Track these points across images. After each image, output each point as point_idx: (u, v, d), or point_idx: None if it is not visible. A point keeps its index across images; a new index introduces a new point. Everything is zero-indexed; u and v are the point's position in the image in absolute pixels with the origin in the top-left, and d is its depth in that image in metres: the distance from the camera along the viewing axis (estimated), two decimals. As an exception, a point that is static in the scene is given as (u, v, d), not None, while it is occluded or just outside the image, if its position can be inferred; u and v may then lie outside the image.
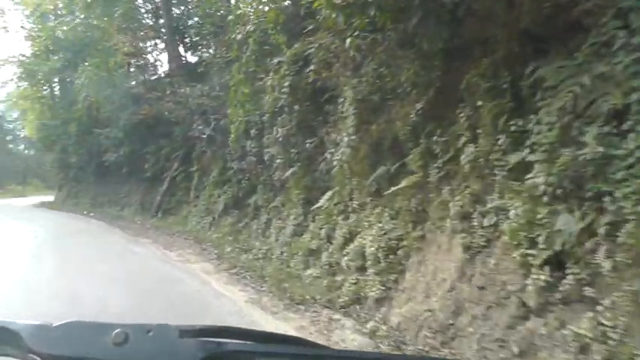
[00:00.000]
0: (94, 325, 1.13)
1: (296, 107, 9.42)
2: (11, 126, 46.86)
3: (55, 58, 25.30)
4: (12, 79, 30.42)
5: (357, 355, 1.43)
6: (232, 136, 11.64)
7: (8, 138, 47.85)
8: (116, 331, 1.05)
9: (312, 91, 9.00)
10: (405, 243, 6.23)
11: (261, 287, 7.75)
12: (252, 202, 12.01)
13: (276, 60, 9.63)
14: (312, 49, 8.14)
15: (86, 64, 20.47)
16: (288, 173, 9.93)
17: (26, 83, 30.19)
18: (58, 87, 28.38)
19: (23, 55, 28.79)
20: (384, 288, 6.22)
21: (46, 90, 29.60)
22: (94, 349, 1.05)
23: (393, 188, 6.61)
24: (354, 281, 6.88)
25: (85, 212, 21.91)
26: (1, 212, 22.83)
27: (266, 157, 10.95)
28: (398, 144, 7.03)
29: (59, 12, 26.81)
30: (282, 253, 9.38)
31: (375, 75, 7.16)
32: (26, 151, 48.45)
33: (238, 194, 12.93)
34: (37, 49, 27.17)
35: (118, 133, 19.43)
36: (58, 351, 1.05)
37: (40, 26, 25.18)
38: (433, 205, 6.01)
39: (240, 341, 1.20)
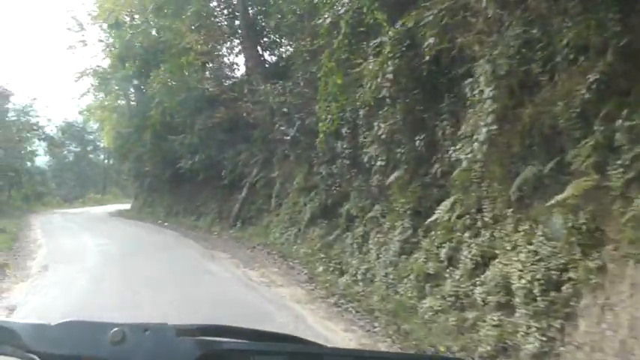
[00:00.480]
0: (92, 325, 1.16)
1: (402, 97, 7.80)
2: (92, 137, 47.44)
3: (129, 65, 24.86)
4: (89, 91, 30.61)
5: (353, 353, 1.37)
6: (320, 136, 10.19)
7: (89, 148, 48.51)
8: (114, 330, 1.06)
9: (425, 75, 7.34)
10: (572, 275, 4.51)
11: (373, 326, 6.12)
12: (343, 212, 10.51)
13: (376, 41, 8.03)
14: (430, 17, 6.44)
15: (159, 69, 19.62)
16: (391, 178, 8.31)
17: (102, 94, 30.33)
18: (133, 95, 28.06)
19: (99, 66, 29.11)
20: (544, 339, 4.52)
21: (121, 99, 29.47)
22: (92, 347, 1.08)
23: (557, 197, 4.84)
24: (495, 323, 5.16)
25: (159, 221, 21.18)
26: (76, 222, 22.41)
27: (361, 160, 9.40)
28: (555, 134, 5.27)
29: (134, 22, 26.47)
30: (386, 275, 7.78)
31: (521, 41, 5.43)
32: (105, 161, 48.81)
33: (327, 202, 11.49)
34: (112, 59, 27.10)
35: (192, 139, 18.43)
36: (56, 350, 1.07)
37: (115, 37, 24.79)
38: (616, 221, 4.23)
39: (237, 340, 1.23)
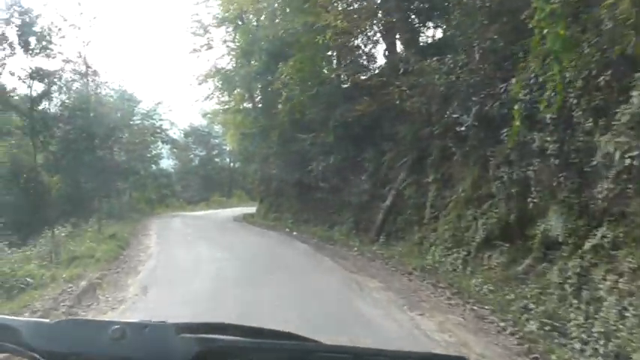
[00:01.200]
0: (92, 322, 1.25)
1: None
2: (217, 141, 47.36)
3: (254, 62, 23.15)
4: (213, 94, 29.57)
5: (350, 350, 1.24)
6: (515, 124, 7.26)
7: (214, 152, 48.48)
8: (113, 327, 1.07)
9: None
10: None
11: None
12: (538, 234, 7.41)
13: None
14: None
15: (288, 63, 17.41)
16: None
17: (226, 95, 29.12)
18: (258, 93, 26.34)
19: (222, 68, 28.11)
20: None
21: (246, 101, 27.94)
22: (92, 345, 1.09)
23: None
24: None
25: (286, 229, 18.98)
26: (196, 227, 20.82)
27: (576, 159, 6.35)
28: None
29: (260, 17, 24.75)
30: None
31: None
32: (231, 164, 48.44)
33: (508, 218, 8.48)
34: (237, 57, 25.78)
35: (326, 138, 16.01)
36: (56, 347, 1.09)
37: (241, 33, 23.04)
38: None
39: (235, 337, 1.22)
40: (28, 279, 8.48)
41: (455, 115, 8.83)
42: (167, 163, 42.27)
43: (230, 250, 13.42)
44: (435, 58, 9.38)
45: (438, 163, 11.93)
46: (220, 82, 27.68)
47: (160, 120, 34.80)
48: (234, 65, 27.17)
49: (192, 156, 47.79)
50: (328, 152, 16.30)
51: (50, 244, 11.95)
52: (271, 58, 20.23)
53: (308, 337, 1.30)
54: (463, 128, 8.78)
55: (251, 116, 26.34)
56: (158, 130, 33.28)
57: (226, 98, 29.68)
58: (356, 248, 13.42)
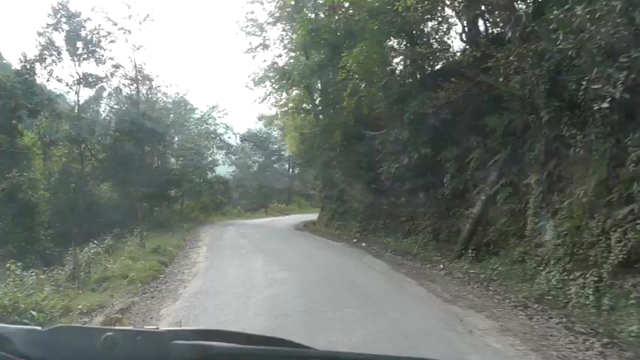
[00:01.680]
0: (84, 330, 1.28)
1: None
2: (276, 146, 45.52)
3: (314, 54, 21.05)
4: (270, 95, 27.44)
5: (343, 357, 1.34)
6: None
7: (273, 158, 46.24)
8: (105, 335, 1.08)
9: None
10: None
11: None
12: None
13: None
14: None
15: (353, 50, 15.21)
16: None
17: (283, 95, 27.17)
18: (318, 92, 24.19)
19: (278, 65, 26.33)
20: None
21: (304, 98, 25.83)
22: (83, 353, 1.10)
23: None
24: None
25: (354, 240, 16.69)
26: (252, 237, 18.72)
27: None
28: None
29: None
30: None
31: None
32: (290, 170, 46.85)
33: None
34: (296, 49, 23.80)
35: (400, 134, 13.66)
36: (48, 355, 1.11)
37: (301, 23, 20.98)
38: None
39: (229, 344, 1.23)
40: (33, 312, 6.57)
41: (595, 87, 6.29)
42: (224, 170, 40.71)
43: (290, 268, 11.23)
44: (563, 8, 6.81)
45: (543, 160, 9.42)
46: (277, 82, 25.58)
47: (215, 124, 33.34)
48: (293, 58, 25.31)
49: (249, 162, 46.02)
50: (401, 152, 13.94)
51: (72, 263, 10.12)
52: (333, 50, 18.10)
53: (297, 342, 1.28)
54: (605, 105, 6.24)
55: (311, 116, 24.29)
56: (212, 135, 31.78)
57: (284, 99, 27.87)
58: (442, 265, 11.03)
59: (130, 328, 1.09)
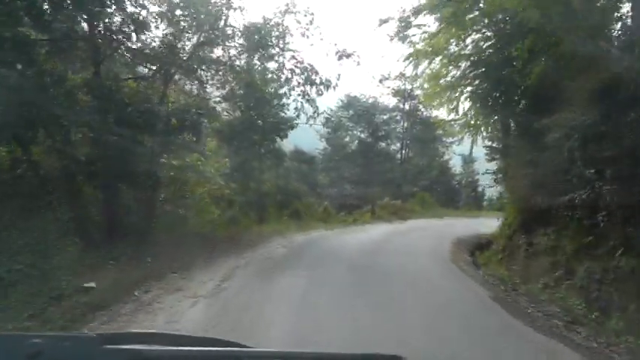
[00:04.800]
0: (8, 337, 1.18)
1: None
2: (384, 116, 34.72)
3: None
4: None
5: (279, 355, 1.28)
6: None
7: (380, 133, 33.26)
8: (30, 341, 1.02)
9: None
10: None
11: None
12: None
13: None
14: None
15: None
16: None
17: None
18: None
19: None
20: None
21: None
22: None
23: None
24: None
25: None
26: (412, 251, 12.59)
27: None
28: None
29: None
30: None
31: None
32: (403, 151, 37.25)
33: None
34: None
35: None
36: None
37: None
38: None
39: (162, 347, 1.19)
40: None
41: None
42: (304, 142, 28.78)
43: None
44: None
45: None
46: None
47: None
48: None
49: (347, 138, 34.84)
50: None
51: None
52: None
53: (235, 341, 1.25)
54: None
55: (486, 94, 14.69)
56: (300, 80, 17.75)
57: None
58: None
59: (60, 333, 0.89)
